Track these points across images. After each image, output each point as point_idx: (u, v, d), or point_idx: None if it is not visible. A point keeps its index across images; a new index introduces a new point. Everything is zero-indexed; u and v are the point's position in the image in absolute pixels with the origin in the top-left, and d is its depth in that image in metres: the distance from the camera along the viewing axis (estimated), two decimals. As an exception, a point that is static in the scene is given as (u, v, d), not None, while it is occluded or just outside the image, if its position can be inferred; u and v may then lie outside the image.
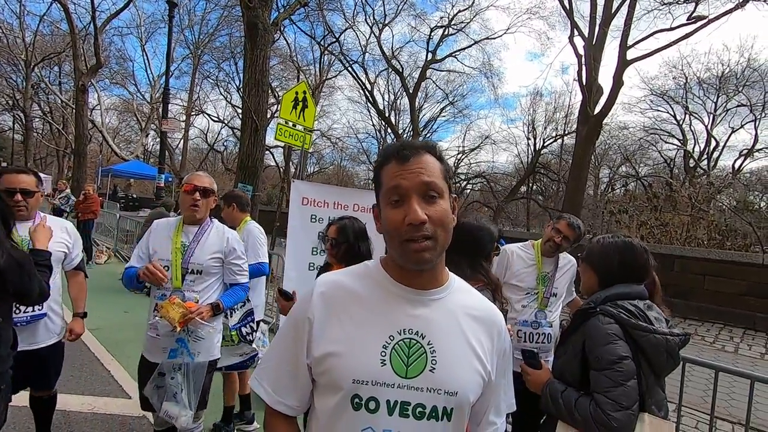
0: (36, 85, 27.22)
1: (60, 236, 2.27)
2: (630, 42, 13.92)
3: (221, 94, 29.71)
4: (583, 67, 14.28)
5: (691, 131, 25.72)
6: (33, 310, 2.14)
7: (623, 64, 13.82)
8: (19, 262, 1.61)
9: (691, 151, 24.83)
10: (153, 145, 33.66)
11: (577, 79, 14.77)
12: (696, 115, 25.14)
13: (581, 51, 14.46)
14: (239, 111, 28.48)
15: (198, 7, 26.47)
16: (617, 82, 13.64)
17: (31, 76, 25.70)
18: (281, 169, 28.61)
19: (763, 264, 7.72)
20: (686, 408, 3.81)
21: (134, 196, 24.43)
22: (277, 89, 24.12)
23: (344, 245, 2.15)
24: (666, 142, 26.84)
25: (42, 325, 2.21)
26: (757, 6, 12.68)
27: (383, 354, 0.83)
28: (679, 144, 25.63)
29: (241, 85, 26.80)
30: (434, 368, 0.83)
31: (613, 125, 25.93)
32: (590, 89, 13.86)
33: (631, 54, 14.02)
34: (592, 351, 1.41)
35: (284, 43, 22.95)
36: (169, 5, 9.99)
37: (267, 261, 3.16)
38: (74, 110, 19.20)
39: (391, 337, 0.84)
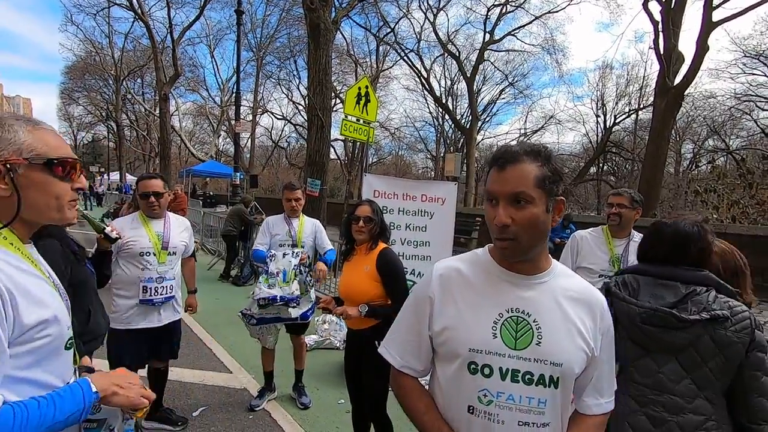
0: (123, 96, 30.30)
1: (183, 234, 2.70)
2: (716, 2, 12.52)
3: (283, 92, 31.13)
4: (660, 34, 13.08)
5: (796, 95, 22.53)
6: (167, 293, 2.57)
7: (708, 26, 12.48)
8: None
9: (795, 117, 21.81)
10: (223, 144, 36.16)
11: (653, 47, 13.59)
12: (801, 76, 21.97)
13: (657, 17, 13.24)
14: (301, 108, 29.76)
15: (259, 11, 27.81)
16: (701, 48, 12.36)
17: (120, 89, 28.64)
18: (342, 162, 29.42)
19: None
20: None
21: (211, 193, 26.51)
22: (334, 82, 24.71)
23: (377, 223, 2.35)
24: (763, 110, 23.68)
25: (171, 304, 2.65)
26: None
27: (494, 328, 0.97)
28: (780, 111, 22.59)
29: (301, 83, 27.97)
30: (540, 342, 0.96)
31: (697, 95, 23.40)
32: (669, 58, 12.69)
33: (717, 15, 12.61)
34: None
35: (340, 38, 23.46)
36: (237, 14, 10.68)
37: None
38: (157, 118, 21.20)
39: (501, 315, 0.98)
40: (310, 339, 4.49)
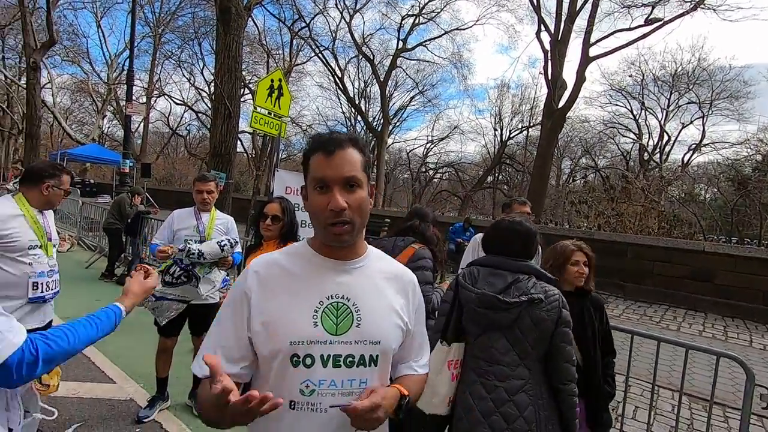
0: (-23, 60, 25.16)
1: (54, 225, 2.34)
2: (592, 40, 14.56)
3: (184, 75, 28.55)
4: (549, 62, 14.81)
5: (646, 126, 27.25)
6: (56, 287, 2.33)
7: (586, 60, 14.45)
8: None
9: (645, 144, 26.31)
10: (109, 127, 32.04)
11: (542, 73, 15.34)
12: (651, 111, 26.63)
13: (547, 46, 14.98)
14: (204, 94, 27.63)
15: (159, -17, 25.14)
16: (580, 78, 14.27)
17: (-28, 51, 23.71)
18: (249, 156, 28.01)
19: (704, 251, 8.47)
20: (634, 379, 4.25)
21: (91, 181, 23.31)
22: (243, 71, 23.44)
23: (285, 222, 2.39)
24: (623, 136, 28.30)
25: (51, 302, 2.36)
26: (705, 12, 13.60)
27: (315, 317, 0.95)
28: (635, 138, 27.08)
29: (206, 67, 25.96)
30: (360, 324, 0.98)
31: (575, 118, 27.02)
32: (555, 83, 14.43)
33: (593, 51, 14.69)
34: None
35: (252, 26, 22.32)
36: (133, -18, 9.55)
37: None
38: (23, 89, 17.98)
39: (321, 302, 0.97)
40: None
